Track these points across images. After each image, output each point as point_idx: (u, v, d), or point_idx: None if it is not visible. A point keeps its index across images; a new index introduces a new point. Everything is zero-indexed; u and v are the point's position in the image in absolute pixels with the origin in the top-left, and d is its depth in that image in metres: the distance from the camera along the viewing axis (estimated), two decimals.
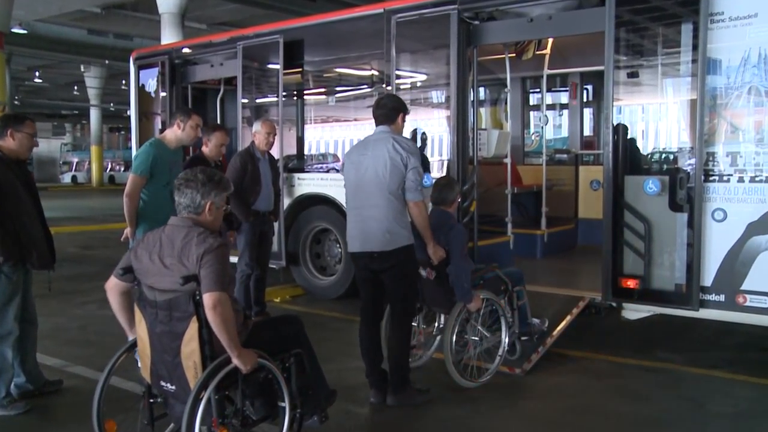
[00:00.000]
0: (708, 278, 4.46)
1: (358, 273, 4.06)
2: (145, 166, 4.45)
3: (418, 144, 6.22)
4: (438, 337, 4.68)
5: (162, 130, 7.75)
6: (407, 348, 4.03)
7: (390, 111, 3.91)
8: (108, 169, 41.23)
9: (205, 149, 5.41)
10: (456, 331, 4.17)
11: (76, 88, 33.44)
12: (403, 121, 4.01)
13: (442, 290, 4.21)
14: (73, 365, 4.75)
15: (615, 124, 4.77)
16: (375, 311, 4.05)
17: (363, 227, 3.84)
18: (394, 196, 3.78)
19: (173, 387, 2.79)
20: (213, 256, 2.68)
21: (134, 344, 2.97)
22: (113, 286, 2.93)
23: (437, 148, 6.23)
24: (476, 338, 4.30)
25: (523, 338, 4.62)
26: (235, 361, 2.70)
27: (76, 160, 44.58)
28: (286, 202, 6.86)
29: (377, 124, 3.97)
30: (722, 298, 4.43)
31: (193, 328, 2.66)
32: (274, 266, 6.76)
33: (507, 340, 4.42)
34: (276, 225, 6.45)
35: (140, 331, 2.85)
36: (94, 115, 34.94)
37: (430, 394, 4.06)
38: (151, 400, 2.96)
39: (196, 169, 2.92)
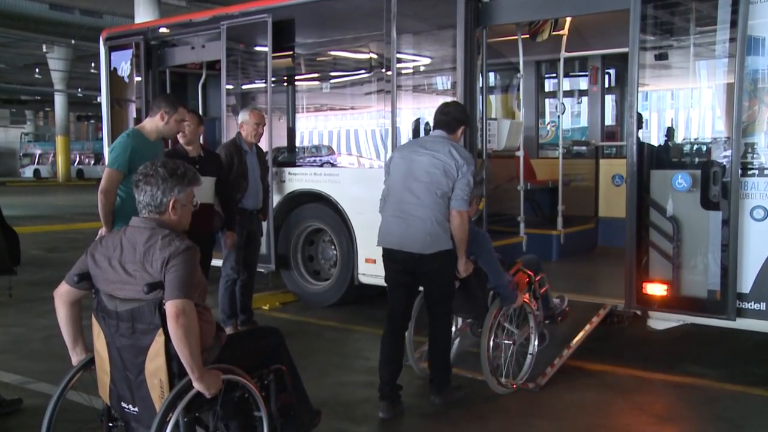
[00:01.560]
0: (746, 284, 4.45)
1: (392, 275, 4.21)
2: (122, 160, 4.41)
3: (422, 134, 6.22)
4: (456, 340, 4.85)
5: (137, 119, 7.74)
6: (450, 348, 4.41)
7: (453, 120, 4.19)
8: (76, 163, 41.15)
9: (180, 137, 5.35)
10: (492, 335, 4.38)
11: (37, 70, 33.24)
12: (463, 134, 4.33)
13: (467, 297, 4.40)
14: (34, 382, 4.70)
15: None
16: (404, 319, 4.26)
17: (404, 223, 4.06)
18: (441, 199, 4.03)
19: (136, 409, 2.72)
20: (179, 261, 2.62)
21: (91, 361, 2.90)
22: (64, 293, 2.86)
23: None
24: (509, 341, 4.52)
25: (547, 321, 4.82)
26: (196, 385, 2.61)
27: (38, 151, 44.48)
28: (276, 199, 6.84)
29: (436, 127, 4.22)
30: (762, 306, 4.42)
31: (158, 341, 2.60)
32: (262, 270, 6.75)
33: (537, 338, 4.63)
34: (264, 224, 6.44)
35: (98, 346, 2.78)
36: (59, 101, 34.85)
37: (464, 389, 4.40)
38: (111, 424, 2.90)
39: (156, 163, 2.85)
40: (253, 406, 2.90)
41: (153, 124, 4.61)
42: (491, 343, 4.35)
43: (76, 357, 2.96)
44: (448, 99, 5.85)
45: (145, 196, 2.79)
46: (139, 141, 4.52)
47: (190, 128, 5.21)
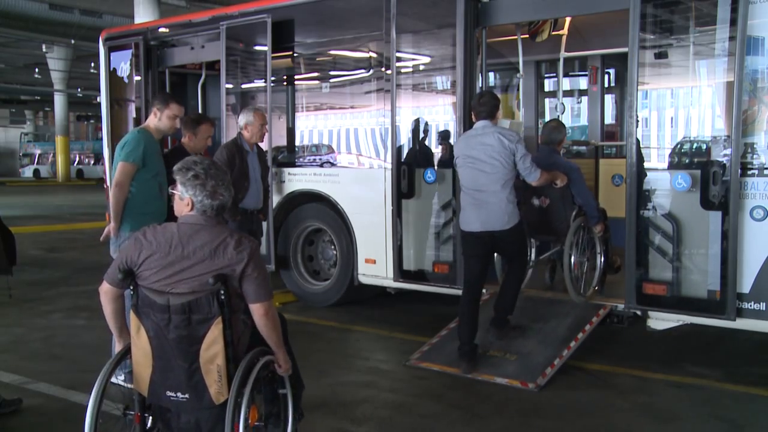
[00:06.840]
0: (746, 284, 4.45)
1: (471, 250, 4.96)
2: (137, 154, 4.48)
3: (420, 135, 6.23)
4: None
5: (137, 119, 7.77)
6: (521, 285, 5.26)
7: (492, 108, 4.87)
8: (75, 162, 41.10)
9: (186, 141, 5.38)
10: (573, 251, 5.22)
11: (37, 70, 33.13)
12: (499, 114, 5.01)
13: (551, 218, 5.37)
14: (34, 382, 4.71)
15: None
16: (479, 287, 4.97)
17: (482, 209, 4.81)
18: (506, 182, 4.77)
19: (186, 396, 2.80)
20: (257, 262, 2.83)
21: (124, 355, 2.97)
22: (108, 291, 2.93)
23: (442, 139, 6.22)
24: (584, 259, 5.43)
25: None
26: (280, 358, 3.00)
27: (38, 151, 44.44)
28: (276, 199, 6.84)
29: (479, 118, 4.89)
30: (762, 306, 4.42)
31: (215, 330, 2.72)
32: None
33: (603, 257, 5.54)
34: (265, 224, 6.43)
35: (139, 341, 2.84)
36: (58, 101, 34.81)
37: (520, 328, 5.24)
38: (145, 414, 2.97)
39: (200, 163, 2.92)
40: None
41: (152, 122, 4.72)
42: (572, 258, 5.17)
43: (121, 344, 3.05)
44: (448, 98, 5.93)
45: (205, 195, 2.86)
46: (148, 139, 4.63)
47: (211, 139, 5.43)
